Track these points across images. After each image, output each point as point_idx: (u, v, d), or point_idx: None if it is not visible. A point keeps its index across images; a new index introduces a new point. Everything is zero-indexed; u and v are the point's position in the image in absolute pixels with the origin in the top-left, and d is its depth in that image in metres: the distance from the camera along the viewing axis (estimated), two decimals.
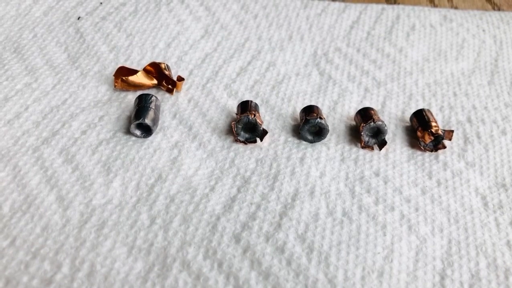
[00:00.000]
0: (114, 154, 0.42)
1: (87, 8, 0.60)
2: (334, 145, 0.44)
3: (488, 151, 0.44)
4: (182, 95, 0.48)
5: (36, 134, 0.43)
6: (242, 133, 0.44)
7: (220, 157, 0.42)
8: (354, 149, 0.44)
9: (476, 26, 0.61)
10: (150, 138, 0.43)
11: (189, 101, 0.48)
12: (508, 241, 0.37)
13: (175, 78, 0.49)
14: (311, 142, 0.44)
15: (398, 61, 0.55)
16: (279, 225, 0.37)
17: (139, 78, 0.48)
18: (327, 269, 0.34)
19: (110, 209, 0.37)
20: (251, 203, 0.39)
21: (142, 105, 0.44)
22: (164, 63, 0.49)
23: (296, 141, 0.44)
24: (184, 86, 0.49)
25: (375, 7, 0.64)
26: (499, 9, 0.67)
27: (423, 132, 0.44)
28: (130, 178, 0.40)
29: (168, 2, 0.62)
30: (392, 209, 0.39)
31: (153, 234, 0.36)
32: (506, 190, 0.41)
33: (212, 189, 0.40)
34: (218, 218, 0.37)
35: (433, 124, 0.44)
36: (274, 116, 0.47)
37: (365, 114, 0.45)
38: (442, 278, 0.35)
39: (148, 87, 0.49)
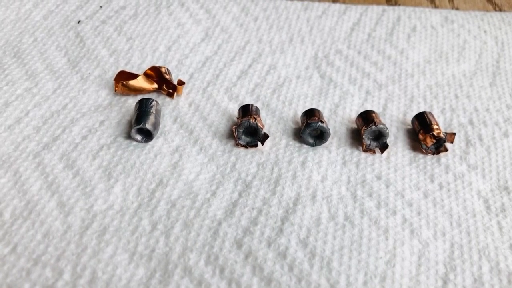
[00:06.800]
0: (115, 159, 0.42)
1: (87, 12, 0.60)
2: (336, 148, 0.44)
3: (490, 153, 0.44)
4: (182, 99, 0.48)
5: (36, 140, 0.43)
6: (243, 137, 0.43)
7: (221, 162, 0.42)
8: (356, 152, 0.44)
9: (478, 27, 0.61)
10: (151, 142, 0.43)
11: (189, 105, 0.48)
12: (511, 245, 0.37)
13: (175, 82, 0.49)
14: (312, 145, 0.44)
15: (399, 63, 0.55)
16: (281, 230, 0.37)
17: (140, 82, 0.48)
18: (329, 274, 0.34)
19: (111, 215, 0.37)
20: (253, 208, 0.38)
21: (143, 109, 0.44)
22: (164, 67, 0.49)
23: (297, 144, 0.44)
24: (184, 90, 0.49)
25: (376, 9, 0.64)
26: (500, 10, 0.66)
27: (424, 135, 0.44)
28: (131, 184, 0.40)
29: (168, 5, 0.62)
30: (394, 213, 0.39)
31: (154, 240, 0.36)
32: (509, 193, 0.41)
33: (213, 194, 0.39)
34: (219, 223, 0.37)
35: (435, 126, 0.44)
36: (275, 120, 0.47)
37: (366, 117, 0.44)
38: (445, 282, 0.35)
39: (149, 91, 0.49)
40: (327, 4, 0.64)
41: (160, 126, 0.45)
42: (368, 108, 0.48)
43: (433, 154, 0.44)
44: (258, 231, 0.37)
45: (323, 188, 0.40)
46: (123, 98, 0.48)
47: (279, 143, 0.44)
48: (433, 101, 0.50)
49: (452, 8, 0.66)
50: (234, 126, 0.43)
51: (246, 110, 0.44)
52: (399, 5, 0.66)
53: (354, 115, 0.48)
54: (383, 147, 0.44)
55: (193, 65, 0.53)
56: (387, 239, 0.37)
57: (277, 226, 0.37)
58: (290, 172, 0.41)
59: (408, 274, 0.35)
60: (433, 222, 0.38)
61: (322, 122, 0.43)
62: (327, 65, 0.54)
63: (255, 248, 0.36)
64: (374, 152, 0.44)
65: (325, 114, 0.48)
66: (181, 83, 0.48)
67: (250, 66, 0.53)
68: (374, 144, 0.44)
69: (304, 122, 0.44)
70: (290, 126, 0.46)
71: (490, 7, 0.67)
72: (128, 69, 0.51)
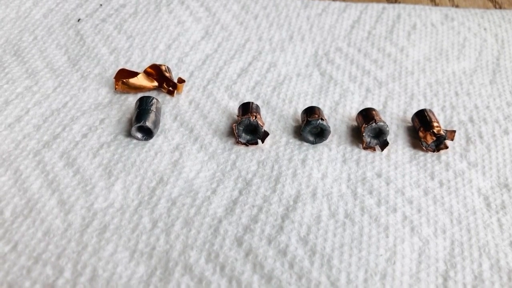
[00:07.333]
0: (115, 157, 0.42)
1: (87, 10, 0.60)
2: (336, 146, 0.44)
3: (491, 151, 0.44)
4: (183, 97, 0.48)
5: (37, 138, 0.43)
6: (243, 135, 0.43)
7: (221, 160, 0.42)
8: (356, 150, 0.44)
9: (478, 24, 0.61)
10: (151, 141, 0.43)
11: (190, 103, 0.48)
12: (511, 242, 0.37)
13: (175, 80, 0.49)
14: (312, 143, 0.44)
15: (399, 60, 0.55)
16: (281, 228, 0.37)
17: (140, 80, 0.48)
18: (329, 272, 0.34)
19: (112, 213, 0.37)
20: (253, 206, 0.38)
21: (143, 107, 0.44)
22: (164, 65, 0.49)
23: (298, 142, 0.44)
24: (185, 88, 0.49)
25: (376, 6, 0.63)
26: (500, 7, 0.66)
27: (425, 132, 0.44)
28: (131, 182, 0.40)
29: (168, 3, 0.62)
30: (395, 210, 0.39)
31: (155, 237, 0.36)
32: (509, 190, 0.41)
33: (214, 191, 0.39)
34: (220, 221, 0.37)
35: (435, 124, 0.44)
36: (275, 118, 0.47)
37: (366, 115, 0.44)
38: (445, 279, 0.35)
39: (149, 89, 0.49)
40: (327, 2, 0.64)
41: (160, 124, 0.45)
42: (368, 105, 0.48)
43: (433, 151, 0.44)
44: (259, 229, 0.37)
45: (323, 185, 0.40)
46: (123, 96, 0.48)
47: (279, 141, 0.44)
48: (433, 99, 0.50)
49: (452, 6, 0.66)
50: (234, 124, 0.43)
51: (246, 108, 0.44)
52: (399, 2, 0.66)
53: (354, 113, 0.48)
54: (383, 144, 0.44)
55: (193, 63, 0.53)
56: (387, 237, 0.37)
57: (278, 224, 0.37)
58: (291, 170, 0.41)
59: (408, 272, 0.35)
60: (433, 220, 0.38)
61: (322, 120, 0.43)
62: (327, 63, 0.54)
63: (255, 246, 0.36)
64: (374, 149, 0.44)
65: (325, 112, 0.48)
66: (181, 81, 0.48)
67: (250, 64, 0.53)
68: (374, 141, 0.44)
69: (304, 120, 0.44)
70: (290, 124, 0.46)
71: (490, 4, 0.67)
72: (128, 67, 0.51)
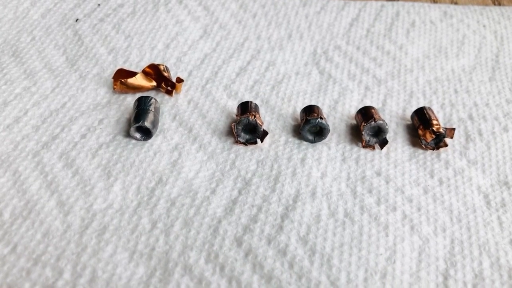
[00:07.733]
0: (114, 158, 0.41)
1: (85, 10, 0.60)
2: (335, 145, 0.44)
3: (490, 148, 0.44)
4: (181, 96, 0.48)
5: (35, 139, 0.43)
6: (242, 134, 0.43)
7: (220, 159, 0.42)
8: (355, 148, 0.44)
9: (477, 21, 0.61)
10: (150, 141, 0.43)
11: (188, 102, 0.48)
12: (511, 240, 0.37)
13: (174, 80, 0.49)
14: (311, 142, 0.44)
15: (398, 58, 0.55)
16: (281, 228, 0.37)
17: (138, 80, 0.48)
18: (329, 271, 0.34)
19: (111, 214, 0.37)
20: (253, 206, 0.38)
21: (142, 107, 0.44)
22: (163, 65, 0.49)
23: (297, 141, 0.44)
24: (183, 87, 0.49)
25: (375, 4, 0.63)
26: (499, 4, 0.66)
27: (424, 130, 0.43)
28: (130, 182, 0.40)
29: (166, 3, 0.61)
30: (394, 209, 0.39)
31: (154, 238, 0.36)
32: (509, 188, 0.41)
33: (213, 191, 0.39)
34: (219, 221, 0.37)
35: (434, 122, 0.44)
36: (274, 117, 0.47)
37: (366, 113, 0.44)
38: (445, 278, 0.35)
39: (147, 89, 0.49)
40: (325, 0, 0.64)
41: (159, 124, 0.45)
42: (368, 104, 0.48)
43: (433, 149, 0.44)
44: (258, 229, 0.37)
45: (322, 184, 0.40)
46: (122, 96, 0.48)
47: (278, 140, 0.44)
48: (432, 96, 0.50)
49: (451, 3, 0.66)
50: (233, 123, 0.43)
51: (245, 107, 0.44)
52: (398, 0, 0.66)
53: (353, 111, 0.47)
54: (383, 143, 0.44)
55: (191, 62, 0.53)
56: (387, 236, 0.37)
57: (277, 224, 0.37)
58: (290, 169, 0.41)
59: (408, 270, 0.35)
60: (433, 218, 0.38)
61: (321, 118, 0.43)
62: (326, 61, 0.54)
63: (255, 246, 0.36)
64: (373, 148, 0.44)
65: (324, 111, 0.47)
66: (179, 80, 0.48)
67: (249, 62, 0.53)
68: (373, 140, 0.44)
69: (303, 119, 0.44)
70: (289, 123, 0.46)
71: (489, 1, 0.67)
72: (126, 67, 0.51)
